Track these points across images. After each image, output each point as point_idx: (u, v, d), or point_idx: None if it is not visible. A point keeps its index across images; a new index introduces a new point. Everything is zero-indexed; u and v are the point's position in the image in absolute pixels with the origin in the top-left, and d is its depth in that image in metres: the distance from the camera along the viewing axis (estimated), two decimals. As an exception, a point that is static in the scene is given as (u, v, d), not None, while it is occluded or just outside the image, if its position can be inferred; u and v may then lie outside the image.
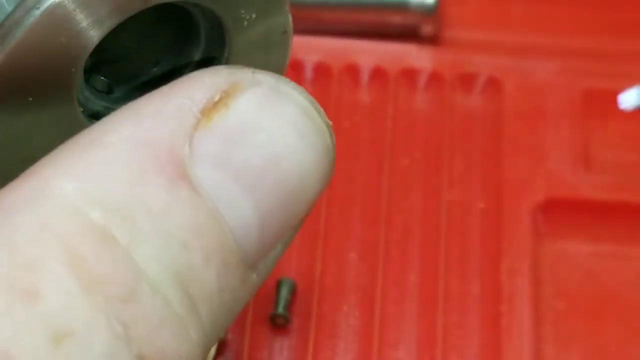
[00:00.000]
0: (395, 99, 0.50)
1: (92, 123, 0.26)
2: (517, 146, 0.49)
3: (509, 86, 0.50)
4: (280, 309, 0.44)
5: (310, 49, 0.51)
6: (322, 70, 0.51)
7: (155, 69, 0.28)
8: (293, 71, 0.50)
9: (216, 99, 0.24)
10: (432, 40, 0.51)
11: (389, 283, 0.45)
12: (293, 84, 0.25)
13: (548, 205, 0.47)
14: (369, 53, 0.51)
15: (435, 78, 0.51)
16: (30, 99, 0.24)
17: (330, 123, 0.25)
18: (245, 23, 0.26)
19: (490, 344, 0.44)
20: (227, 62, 0.27)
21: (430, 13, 0.50)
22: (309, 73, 0.50)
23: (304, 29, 0.50)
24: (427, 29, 0.51)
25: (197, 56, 0.27)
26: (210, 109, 0.24)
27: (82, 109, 0.26)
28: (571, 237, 0.47)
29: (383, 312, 0.45)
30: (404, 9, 0.50)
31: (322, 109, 0.25)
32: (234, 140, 0.23)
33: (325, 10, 0.51)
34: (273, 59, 0.28)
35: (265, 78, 0.24)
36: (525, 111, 0.50)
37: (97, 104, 0.27)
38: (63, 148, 0.23)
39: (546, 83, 0.50)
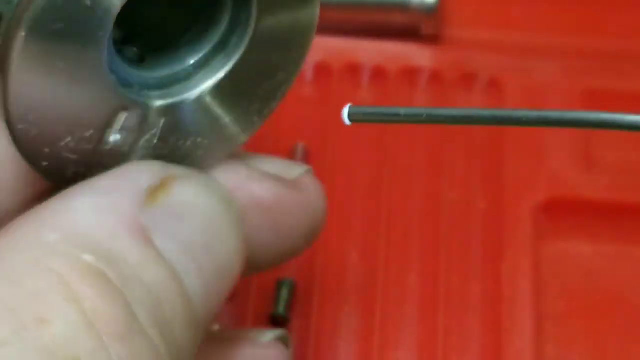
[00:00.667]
0: (396, 98, 0.50)
1: (125, 92, 0.27)
2: (518, 146, 0.48)
3: (509, 86, 0.50)
4: (280, 309, 0.44)
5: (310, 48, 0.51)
6: (323, 70, 0.50)
7: (185, 36, 0.29)
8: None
9: (158, 183, 0.27)
10: (433, 40, 0.51)
11: (389, 283, 0.45)
12: (212, 176, 0.30)
13: (549, 205, 0.47)
14: (369, 52, 0.51)
15: (435, 77, 0.50)
16: (61, 64, 0.25)
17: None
18: None
19: (491, 345, 0.44)
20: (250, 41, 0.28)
21: (431, 12, 0.50)
22: (309, 73, 0.50)
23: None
24: (428, 28, 0.51)
25: (224, 22, 0.28)
26: (155, 190, 0.27)
27: (115, 78, 0.27)
28: (572, 237, 0.47)
29: (383, 312, 0.45)
30: (404, 8, 0.50)
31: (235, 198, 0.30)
32: (176, 218, 0.27)
33: (325, 9, 0.51)
34: (295, 45, 0.30)
35: (193, 172, 0.29)
36: (526, 111, 0.49)
37: (131, 73, 0.28)
38: (41, 207, 0.26)
39: (547, 83, 0.50)
